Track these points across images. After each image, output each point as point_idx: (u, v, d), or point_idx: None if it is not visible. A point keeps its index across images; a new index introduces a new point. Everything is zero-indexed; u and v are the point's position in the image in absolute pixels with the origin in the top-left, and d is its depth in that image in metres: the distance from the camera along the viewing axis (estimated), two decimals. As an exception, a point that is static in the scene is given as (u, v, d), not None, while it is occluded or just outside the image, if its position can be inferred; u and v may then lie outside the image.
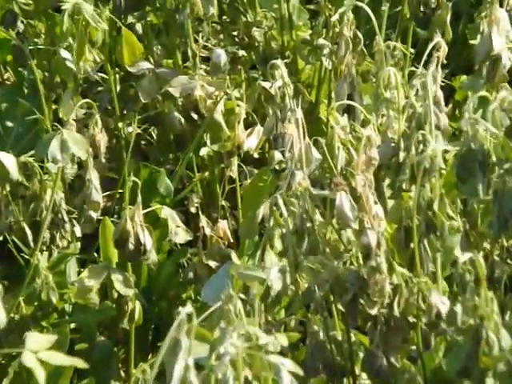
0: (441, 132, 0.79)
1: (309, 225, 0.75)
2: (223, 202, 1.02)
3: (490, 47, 0.81)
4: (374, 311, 0.75)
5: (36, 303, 0.90)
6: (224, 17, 1.10)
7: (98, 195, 0.88)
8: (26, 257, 0.95)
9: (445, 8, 0.97)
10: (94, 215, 0.89)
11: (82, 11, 0.90)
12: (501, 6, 0.83)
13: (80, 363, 0.54)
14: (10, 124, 1.08)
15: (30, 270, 0.89)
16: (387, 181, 0.79)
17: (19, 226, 0.92)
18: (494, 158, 0.75)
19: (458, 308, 0.68)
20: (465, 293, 0.68)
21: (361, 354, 0.81)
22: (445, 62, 0.81)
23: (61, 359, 0.53)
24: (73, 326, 0.94)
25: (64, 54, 0.94)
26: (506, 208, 0.74)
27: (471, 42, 0.87)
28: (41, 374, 0.53)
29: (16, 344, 0.72)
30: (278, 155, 0.85)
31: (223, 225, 0.99)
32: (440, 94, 0.81)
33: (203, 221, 1.00)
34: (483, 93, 0.81)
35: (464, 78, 1.04)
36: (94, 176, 0.88)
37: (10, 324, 0.89)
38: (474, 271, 0.69)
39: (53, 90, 1.09)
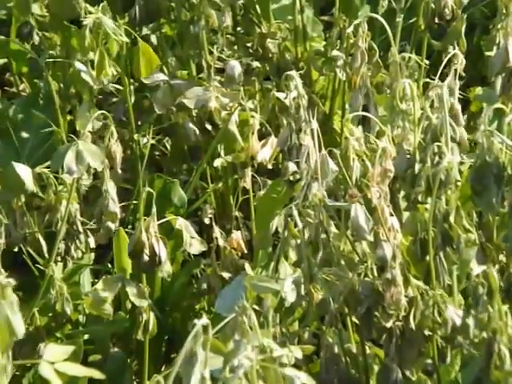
0: (459, 145, 0.78)
1: (324, 236, 0.75)
2: (237, 213, 1.02)
3: (506, 59, 0.81)
4: (389, 324, 0.74)
5: (50, 314, 0.91)
6: (238, 28, 1.10)
7: (115, 206, 0.89)
8: (41, 268, 0.95)
9: (459, 19, 0.96)
10: (112, 226, 0.90)
11: (103, 25, 0.90)
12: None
13: (97, 374, 0.54)
14: (25, 135, 1.09)
15: (44, 281, 0.90)
16: (402, 193, 0.79)
17: (34, 236, 0.92)
18: (509, 171, 0.74)
19: (470, 321, 0.68)
20: (477, 306, 0.68)
21: (376, 367, 0.80)
22: (463, 73, 0.81)
23: (77, 370, 0.54)
24: (86, 337, 0.94)
25: (79, 66, 0.95)
26: (522, 221, 0.74)
27: (486, 53, 0.87)
28: (58, 385, 0.53)
29: (30, 355, 0.72)
30: (292, 166, 0.85)
31: (237, 236, 0.99)
32: (458, 107, 0.81)
33: (217, 231, 1.00)
34: (499, 105, 0.80)
35: (479, 89, 1.04)
36: (110, 187, 0.89)
37: (24, 335, 0.89)
38: (488, 284, 0.68)
39: (68, 102, 1.10)
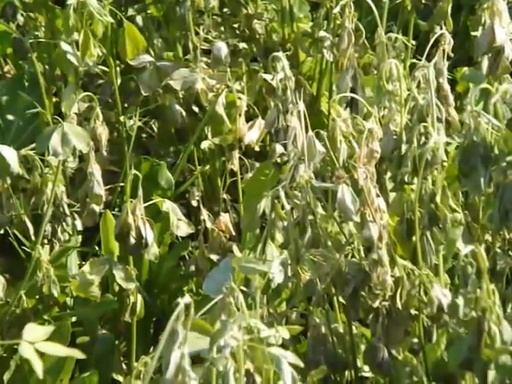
0: (450, 127, 0.78)
1: (310, 217, 0.75)
2: (224, 196, 1.02)
3: (493, 39, 0.81)
4: (375, 304, 0.75)
5: (37, 296, 0.90)
6: (225, 9, 1.09)
7: (100, 188, 0.88)
8: (28, 250, 0.95)
9: (446, 0, 0.96)
10: (97, 208, 0.89)
11: (87, 5, 0.89)
12: (502, -2, 0.83)
13: (78, 354, 0.54)
14: (10, 117, 1.08)
15: (31, 264, 0.89)
16: (389, 173, 0.79)
17: (20, 219, 0.92)
18: (496, 151, 0.75)
19: (460, 300, 0.68)
20: (466, 285, 0.68)
21: (362, 347, 0.81)
22: (451, 54, 0.81)
23: (59, 350, 0.53)
24: (74, 319, 0.94)
25: (65, 46, 0.94)
26: (507, 201, 0.74)
27: (473, 33, 0.86)
28: (38, 365, 0.53)
29: (17, 337, 0.72)
30: (279, 148, 0.85)
31: (225, 218, 0.99)
32: (447, 87, 0.81)
33: (204, 214, 1.00)
34: (485, 85, 0.80)
35: (465, 69, 1.04)
36: (95, 169, 0.88)
37: (11, 317, 0.89)
38: (476, 264, 0.69)
39: (53, 83, 1.09)
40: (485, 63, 0.83)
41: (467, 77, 0.94)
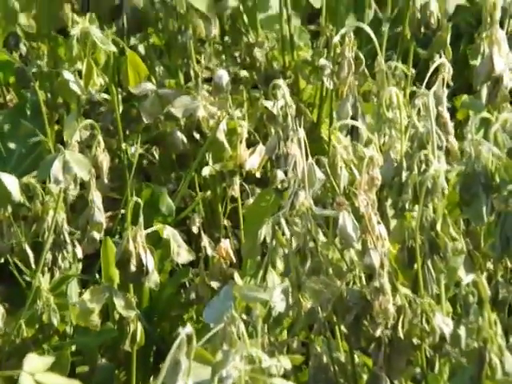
0: (450, 155, 0.79)
1: (312, 245, 0.75)
2: (225, 222, 1.02)
3: (492, 68, 0.82)
4: (377, 332, 0.74)
5: (37, 325, 0.90)
6: (226, 38, 1.10)
7: (100, 216, 0.88)
8: (28, 278, 0.95)
9: (445, 29, 0.97)
10: (97, 236, 0.89)
11: (90, 35, 0.90)
12: (501, 27, 0.84)
13: (77, 384, 0.54)
14: (12, 145, 1.08)
15: (31, 292, 0.89)
16: (390, 201, 0.79)
17: (21, 247, 0.92)
18: (497, 180, 0.75)
19: (462, 330, 0.68)
20: (468, 315, 0.68)
21: (364, 376, 0.80)
22: (450, 82, 0.82)
23: (59, 381, 0.53)
24: (74, 348, 0.94)
25: (67, 75, 0.95)
26: (509, 229, 0.74)
27: (472, 62, 0.87)
28: (38, 397, 0.52)
29: (17, 367, 0.72)
30: (280, 174, 0.85)
31: (225, 244, 0.99)
32: (447, 115, 0.81)
33: (205, 240, 0.99)
34: (485, 114, 0.81)
35: (465, 97, 1.04)
36: (96, 197, 0.88)
37: (10, 347, 0.88)
38: (477, 293, 0.68)
39: (55, 111, 1.10)
40: (484, 92, 0.83)
41: (467, 105, 0.94)
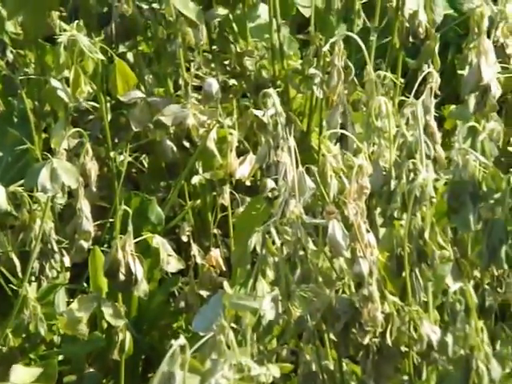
0: (436, 163, 0.79)
1: (301, 253, 0.75)
2: (215, 230, 1.02)
3: (479, 77, 0.82)
4: (365, 340, 0.74)
5: (24, 335, 0.89)
6: (215, 46, 1.10)
7: (88, 224, 0.88)
8: (15, 287, 0.94)
9: (433, 38, 0.98)
10: (85, 245, 0.89)
11: (78, 42, 0.90)
12: (488, 37, 0.84)
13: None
14: (-1, 153, 1.08)
15: (18, 301, 0.88)
16: (379, 209, 0.79)
17: (8, 256, 0.91)
18: (484, 188, 0.75)
19: (449, 338, 0.68)
20: (455, 322, 0.68)
21: (353, 384, 0.80)
22: (438, 92, 0.82)
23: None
24: (61, 357, 0.93)
25: (54, 83, 0.94)
26: (495, 238, 0.75)
27: (460, 71, 0.88)
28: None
29: (3, 377, 0.71)
30: (270, 183, 0.85)
31: (215, 253, 0.99)
32: (434, 125, 0.82)
33: (195, 249, 0.99)
34: (472, 123, 0.81)
35: (453, 107, 1.05)
36: (84, 205, 0.88)
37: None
38: (465, 301, 0.69)
39: (43, 119, 1.09)
40: (472, 101, 0.84)
41: (455, 114, 0.95)
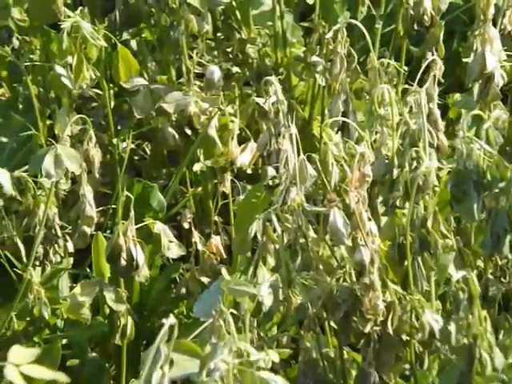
0: (439, 152, 0.79)
1: (302, 241, 0.75)
2: (216, 218, 1.02)
3: (484, 66, 0.82)
4: (367, 328, 0.74)
5: (28, 318, 0.90)
6: (218, 34, 1.10)
7: (91, 210, 0.88)
8: (19, 272, 0.95)
9: (438, 26, 0.97)
10: (88, 230, 0.89)
11: (81, 29, 0.90)
12: (494, 25, 0.84)
13: (65, 378, 0.54)
14: (4, 139, 1.08)
15: (22, 285, 0.89)
16: (381, 198, 0.79)
17: (12, 240, 0.92)
18: (488, 177, 0.75)
19: (452, 327, 0.68)
20: (458, 311, 0.68)
21: (353, 372, 0.80)
22: (441, 80, 0.82)
23: (45, 374, 0.53)
24: (64, 341, 0.94)
25: (59, 70, 0.94)
26: (499, 227, 0.74)
27: (465, 60, 0.87)
28: (22, 388, 0.52)
29: (5, 360, 0.71)
30: (271, 171, 0.85)
31: (216, 240, 0.99)
32: (437, 113, 0.81)
33: (196, 236, 0.99)
34: (477, 111, 0.81)
35: (457, 95, 1.05)
36: (87, 191, 0.88)
37: (1, 339, 0.88)
38: (468, 289, 0.68)
39: (47, 106, 1.09)
40: (476, 89, 0.83)
41: (459, 103, 0.95)
